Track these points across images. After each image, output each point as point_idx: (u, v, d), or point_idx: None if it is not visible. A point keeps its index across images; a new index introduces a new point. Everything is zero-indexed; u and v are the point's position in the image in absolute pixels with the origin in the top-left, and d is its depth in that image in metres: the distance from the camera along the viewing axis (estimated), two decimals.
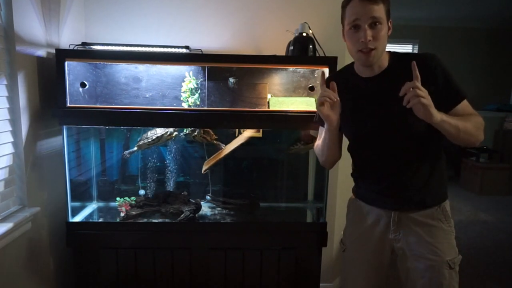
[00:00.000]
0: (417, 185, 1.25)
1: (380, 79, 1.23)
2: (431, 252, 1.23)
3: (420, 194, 1.25)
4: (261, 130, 1.87)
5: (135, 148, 1.86)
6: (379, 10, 1.13)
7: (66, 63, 1.57)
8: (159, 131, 1.83)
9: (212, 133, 1.88)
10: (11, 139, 1.49)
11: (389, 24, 1.19)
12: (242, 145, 1.87)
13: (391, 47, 1.24)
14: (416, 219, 1.26)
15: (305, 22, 1.75)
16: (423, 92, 1.06)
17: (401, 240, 1.29)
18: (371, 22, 1.14)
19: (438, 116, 1.09)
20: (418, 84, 1.07)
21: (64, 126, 1.64)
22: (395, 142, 1.24)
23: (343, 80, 1.30)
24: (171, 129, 1.83)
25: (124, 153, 1.90)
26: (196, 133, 1.84)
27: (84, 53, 1.69)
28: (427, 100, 1.06)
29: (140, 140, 1.86)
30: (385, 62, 1.23)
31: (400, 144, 1.24)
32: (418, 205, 1.26)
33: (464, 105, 1.21)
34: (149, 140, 1.82)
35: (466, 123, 1.15)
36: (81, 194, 1.93)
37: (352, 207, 1.46)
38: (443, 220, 1.25)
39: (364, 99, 1.27)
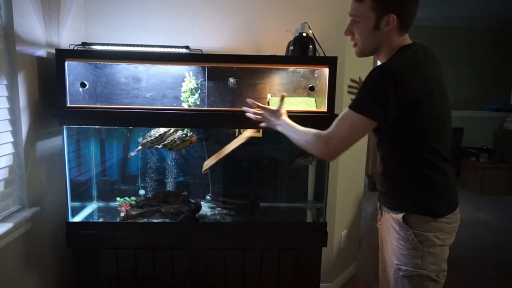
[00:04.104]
0: (383, 184, 1.30)
1: None
2: (388, 250, 1.26)
3: (385, 194, 1.29)
4: (261, 130, 1.87)
5: (140, 147, 1.86)
6: (360, 8, 1.16)
7: (66, 63, 1.57)
8: (162, 129, 1.82)
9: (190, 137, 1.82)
10: (11, 139, 1.49)
11: (390, 19, 1.14)
12: (242, 145, 1.87)
13: None
14: (387, 215, 1.29)
15: (305, 22, 1.75)
16: (261, 113, 1.50)
17: (380, 230, 1.35)
18: (352, 19, 1.21)
19: (279, 128, 1.43)
20: (262, 106, 1.51)
21: (64, 126, 1.63)
22: (377, 139, 1.30)
23: None
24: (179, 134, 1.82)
25: (130, 154, 1.90)
26: (171, 141, 1.81)
27: (84, 53, 1.69)
28: (263, 118, 1.50)
29: (143, 139, 1.86)
30: (388, 56, 1.21)
31: (377, 141, 1.30)
32: (384, 202, 1.30)
33: (345, 113, 1.17)
34: (152, 138, 1.81)
35: (303, 135, 1.31)
36: (81, 194, 1.93)
37: None
38: (400, 228, 1.20)
39: None
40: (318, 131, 1.24)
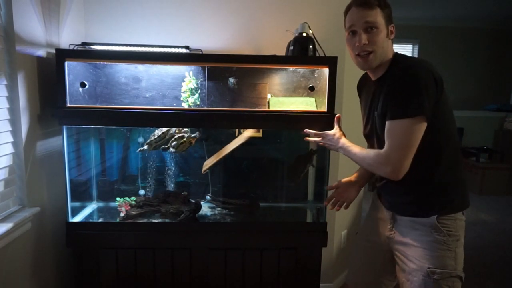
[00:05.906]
0: (400, 192, 1.26)
1: (377, 83, 1.26)
2: (415, 256, 1.23)
3: (404, 202, 1.26)
4: (261, 130, 1.87)
5: (145, 147, 1.86)
6: (374, 15, 1.17)
7: (66, 63, 1.57)
8: (164, 128, 1.82)
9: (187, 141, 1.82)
10: (11, 139, 1.48)
11: (391, 29, 1.22)
12: (242, 145, 1.87)
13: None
14: (407, 222, 1.26)
15: (305, 22, 1.75)
16: (320, 139, 1.46)
17: (395, 239, 1.31)
18: (366, 26, 1.18)
19: (340, 151, 1.37)
20: (320, 134, 1.46)
21: (64, 126, 1.64)
22: (379, 147, 1.26)
23: (367, 80, 1.36)
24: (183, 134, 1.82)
25: (142, 148, 1.88)
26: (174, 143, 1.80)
27: (84, 53, 1.69)
28: (324, 141, 1.45)
29: (148, 140, 1.86)
30: (386, 67, 1.23)
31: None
32: (404, 211, 1.27)
33: (391, 126, 1.14)
34: (156, 137, 1.81)
35: (364, 158, 1.25)
36: (81, 194, 1.93)
37: (372, 198, 1.52)
38: (432, 231, 1.20)
39: (367, 101, 1.33)
40: (377, 151, 1.20)
